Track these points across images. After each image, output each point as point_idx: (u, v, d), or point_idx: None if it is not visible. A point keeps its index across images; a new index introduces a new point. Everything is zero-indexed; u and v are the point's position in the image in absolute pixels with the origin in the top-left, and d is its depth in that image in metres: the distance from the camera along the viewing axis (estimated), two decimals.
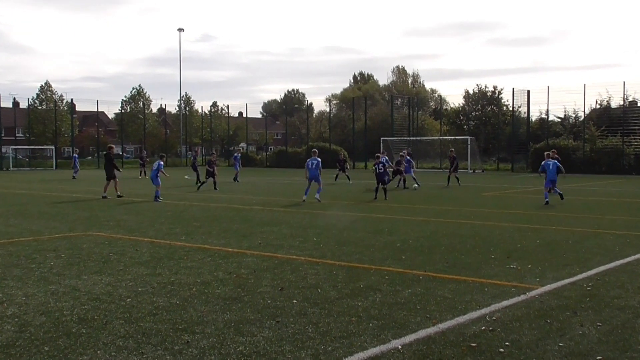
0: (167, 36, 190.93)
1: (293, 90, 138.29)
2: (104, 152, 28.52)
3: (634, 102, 54.26)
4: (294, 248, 12.23)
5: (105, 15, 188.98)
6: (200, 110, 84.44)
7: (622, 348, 6.23)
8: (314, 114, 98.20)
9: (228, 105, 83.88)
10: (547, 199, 22.26)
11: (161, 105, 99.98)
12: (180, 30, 72.73)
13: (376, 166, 24.25)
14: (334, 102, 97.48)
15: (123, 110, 79.16)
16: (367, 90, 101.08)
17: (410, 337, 6.49)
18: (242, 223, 16.35)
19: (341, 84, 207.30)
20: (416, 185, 30.58)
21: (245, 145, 63.09)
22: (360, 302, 7.93)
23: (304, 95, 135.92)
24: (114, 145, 28.74)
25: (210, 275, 9.57)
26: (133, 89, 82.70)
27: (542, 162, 23.86)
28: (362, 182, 34.65)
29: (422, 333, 6.65)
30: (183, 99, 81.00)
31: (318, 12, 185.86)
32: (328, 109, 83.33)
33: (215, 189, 28.94)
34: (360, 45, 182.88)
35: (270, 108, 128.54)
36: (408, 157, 32.21)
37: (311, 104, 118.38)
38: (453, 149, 35.19)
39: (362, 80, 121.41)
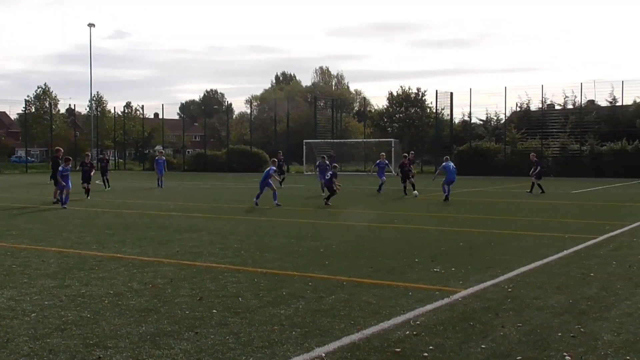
0: (76, 32, 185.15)
1: (212, 90, 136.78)
2: (52, 156, 26.54)
3: (551, 105, 56.16)
4: (214, 255, 11.91)
5: (7, 8, 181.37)
6: (113, 111, 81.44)
7: (540, 347, 6.32)
8: (235, 116, 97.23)
9: (143, 106, 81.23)
10: (447, 194, 24.81)
11: (70, 105, 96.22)
12: (91, 25, 69.54)
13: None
14: (255, 103, 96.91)
15: (27, 111, 75.11)
16: (289, 91, 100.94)
17: (335, 345, 6.39)
18: (159, 230, 15.86)
19: (262, 84, 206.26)
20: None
21: (162, 148, 61.86)
22: (283, 310, 7.75)
23: (223, 95, 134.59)
24: (61, 149, 27.14)
25: (124, 286, 9.16)
26: (38, 87, 78.62)
27: (444, 164, 25.98)
28: (284, 187, 34.38)
29: (346, 340, 6.55)
30: (94, 98, 78.46)
31: (239, 10, 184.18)
32: (249, 111, 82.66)
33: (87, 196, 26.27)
34: (283, 44, 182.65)
35: (188, 109, 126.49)
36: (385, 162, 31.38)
37: (231, 105, 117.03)
38: (413, 152, 35.12)
39: (285, 81, 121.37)
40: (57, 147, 26.27)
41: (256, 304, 8.08)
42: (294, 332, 6.81)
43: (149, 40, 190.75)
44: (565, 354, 6.09)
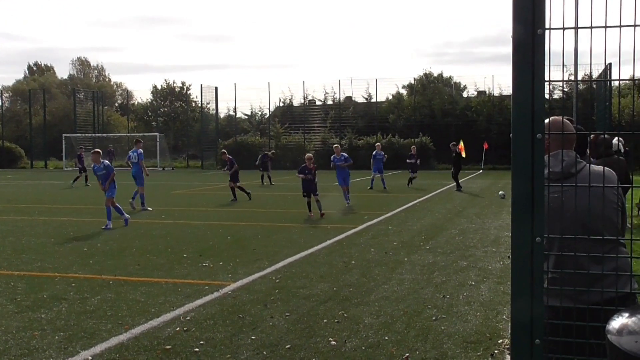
0: None
1: None
2: None
3: (312, 101, 58.62)
4: None
5: None
6: None
7: (308, 335, 6.60)
8: None
9: None
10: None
11: None
12: None
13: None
14: (7, 94, 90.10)
15: None
16: (45, 82, 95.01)
17: (101, 347, 6.21)
18: None
19: (14, 74, 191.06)
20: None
21: None
22: (44, 314, 7.34)
23: None
24: None
25: None
26: None
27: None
28: (37, 184, 32.40)
29: (113, 341, 6.39)
30: None
31: None
32: (0, 103, 76.61)
33: None
34: (35, 33, 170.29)
35: None
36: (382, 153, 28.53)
37: None
38: (415, 146, 32.73)
39: (39, 72, 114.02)
40: None
41: (13, 310, 7.57)
42: (56, 337, 6.50)
43: None
44: (330, 339, 6.42)
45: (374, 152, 27.68)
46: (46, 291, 8.54)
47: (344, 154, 21.18)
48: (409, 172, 28.86)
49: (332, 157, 21.12)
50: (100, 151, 16.39)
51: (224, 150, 25.01)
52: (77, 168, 32.31)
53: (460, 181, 26.53)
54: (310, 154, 18.04)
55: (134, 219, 16.82)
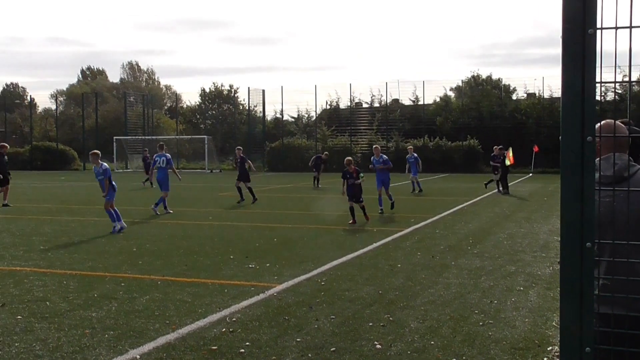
0: None
1: (12, 83, 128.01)
2: None
3: (359, 104, 58.59)
4: (17, 258, 11.21)
5: None
6: None
7: (353, 338, 6.56)
8: (39, 111, 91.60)
9: None
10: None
11: None
12: None
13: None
14: (61, 98, 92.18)
15: None
16: (97, 86, 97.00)
17: (149, 346, 6.28)
18: None
19: (68, 78, 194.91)
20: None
21: None
22: (95, 313, 7.47)
23: (25, 89, 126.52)
24: (6, 144, 23.09)
25: None
26: None
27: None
28: (89, 185, 32.92)
29: (161, 340, 6.45)
30: None
31: None
32: (54, 106, 78.40)
33: None
34: (88, 37, 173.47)
35: None
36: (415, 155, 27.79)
37: (34, 99, 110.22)
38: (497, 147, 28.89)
39: (92, 76, 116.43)
40: (2, 144, 22.28)
41: (65, 308, 7.72)
42: (106, 335, 6.60)
43: None
44: (376, 342, 6.39)
45: (407, 156, 27.44)
46: (97, 290, 8.69)
47: (384, 155, 20.15)
48: (494, 174, 26.84)
49: (371, 158, 20.55)
50: (99, 152, 15.63)
51: (239, 147, 24.73)
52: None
53: (509, 184, 26.09)
54: (350, 158, 17.53)
55: (179, 221, 17.01)
